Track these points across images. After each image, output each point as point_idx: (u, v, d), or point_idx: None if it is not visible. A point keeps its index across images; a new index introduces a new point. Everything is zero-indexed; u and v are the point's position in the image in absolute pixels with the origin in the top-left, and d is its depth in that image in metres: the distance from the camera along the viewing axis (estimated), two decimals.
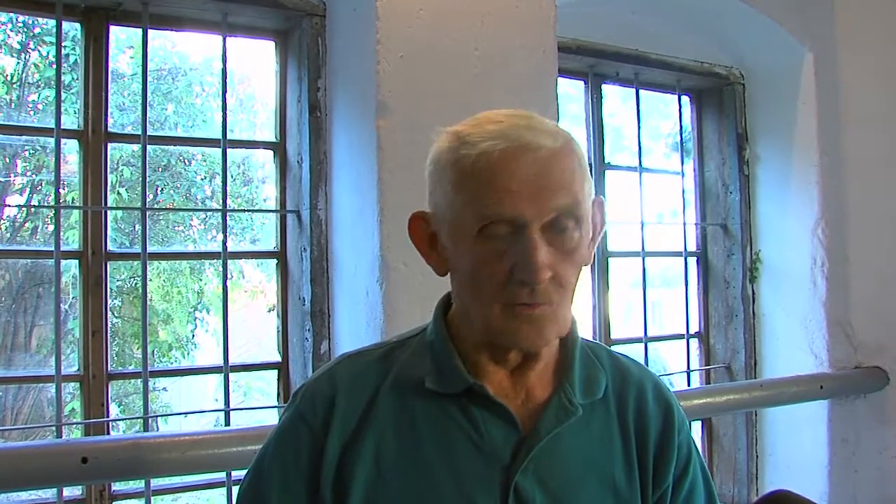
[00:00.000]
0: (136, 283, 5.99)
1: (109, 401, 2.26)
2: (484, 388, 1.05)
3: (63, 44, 2.20)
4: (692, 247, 3.43)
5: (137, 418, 2.53)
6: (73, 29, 2.32)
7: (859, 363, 3.10)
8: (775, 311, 3.27)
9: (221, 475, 2.22)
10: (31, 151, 6.04)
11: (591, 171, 3.02)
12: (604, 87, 3.19)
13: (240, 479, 2.17)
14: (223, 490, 2.26)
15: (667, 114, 3.96)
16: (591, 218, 1.06)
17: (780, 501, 1.47)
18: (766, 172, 3.31)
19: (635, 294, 3.25)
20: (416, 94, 2.16)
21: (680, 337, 3.37)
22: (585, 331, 2.73)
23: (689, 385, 3.24)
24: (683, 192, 3.37)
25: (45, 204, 4.88)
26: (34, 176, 6.16)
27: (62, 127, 2.14)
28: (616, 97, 3.41)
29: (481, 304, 1.02)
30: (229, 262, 2.39)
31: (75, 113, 2.29)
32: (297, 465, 1.06)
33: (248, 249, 5.74)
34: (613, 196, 3.19)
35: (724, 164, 3.41)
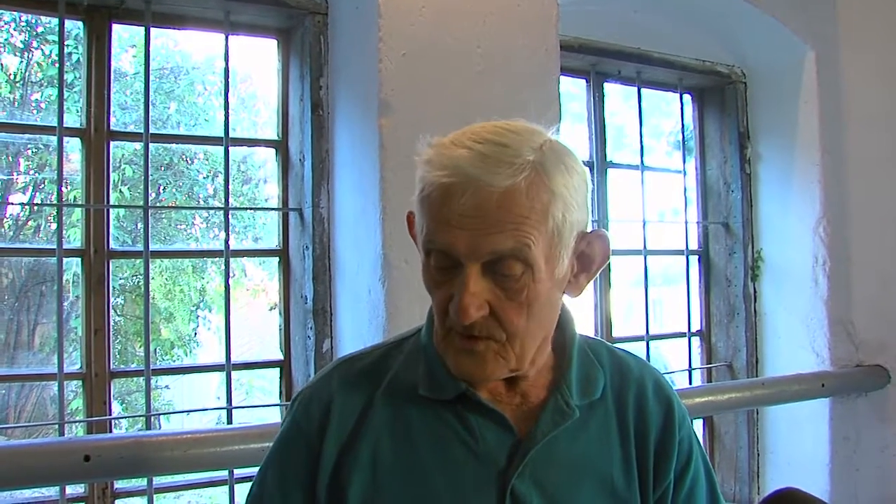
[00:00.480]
0: (138, 282, 5.98)
1: (112, 399, 2.27)
2: (476, 394, 1.04)
3: (66, 42, 2.20)
4: (694, 245, 3.43)
5: (140, 416, 2.53)
6: (75, 27, 2.32)
7: (861, 361, 3.11)
8: (777, 309, 3.27)
9: (223, 473, 2.22)
10: (34, 150, 6.04)
11: (593, 169, 2.99)
12: (606, 85, 3.19)
13: (242, 477, 2.19)
14: (225, 488, 2.26)
15: (669, 112, 3.97)
16: (586, 251, 1.03)
17: (788, 499, 1.46)
18: (768, 171, 3.31)
19: (637, 292, 3.25)
20: (418, 93, 2.16)
21: (681, 335, 3.37)
22: (587, 329, 2.73)
23: (690, 383, 3.24)
24: (685, 190, 3.37)
25: (48, 202, 4.89)
26: (37, 174, 6.17)
27: (65, 125, 2.14)
28: (618, 95, 3.41)
29: (436, 320, 1.03)
30: (231, 260, 2.39)
31: (78, 111, 2.29)
32: (294, 474, 1.06)
33: (251, 248, 5.75)
34: (615, 194, 3.18)
35: (725, 162, 3.41)
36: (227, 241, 2.38)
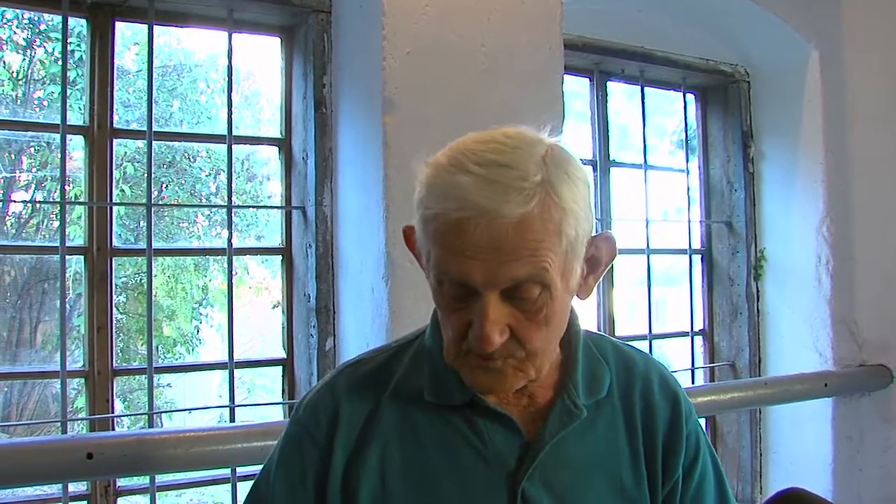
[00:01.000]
0: (140, 280, 5.99)
1: (114, 396, 2.27)
2: (484, 399, 1.04)
3: (69, 40, 2.20)
4: (697, 244, 3.43)
5: (142, 414, 2.53)
6: (78, 25, 2.32)
7: (864, 361, 3.10)
8: (780, 308, 3.26)
9: (226, 471, 2.22)
10: (37, 147, 6.04)
11: (596, 168, 2.99)
12: (609, 84, 3.19)
13: (244, 476, 2.19)
14: (228, 486, 2.26)
15: (672, 111, 3.96)
16: (594, 255, 1.03)
17: (793, 499, 1.46)
18: (772, 170, 3.31)
19: (640, 291, 3.25)
20: (422, 91, 2.15)
21: (684, 334, 3.36)
22: (589, 328, 2.72)
23: (693, 383, 3.24)
24: (688, 189, 3.37)
25: (51, 200, 4.89)
26: (39, 172, 6.17)
27: (67, 123, 2.15)
28: (621, 94, 3.40)
29: (446, 342, 1.01)
30: (234, 258, 2.39)
31: (80, 109, 2.29)
32: (302, 479, 1.06)
33: (253, 246, 5.73)
34: (618, 193, 3.18)
35: (728, 161, 3.40)
36: (229, 239, 2.38)
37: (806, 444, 3.12)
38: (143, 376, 2.28)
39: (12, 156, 6.10)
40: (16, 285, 6.12)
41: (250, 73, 6.86)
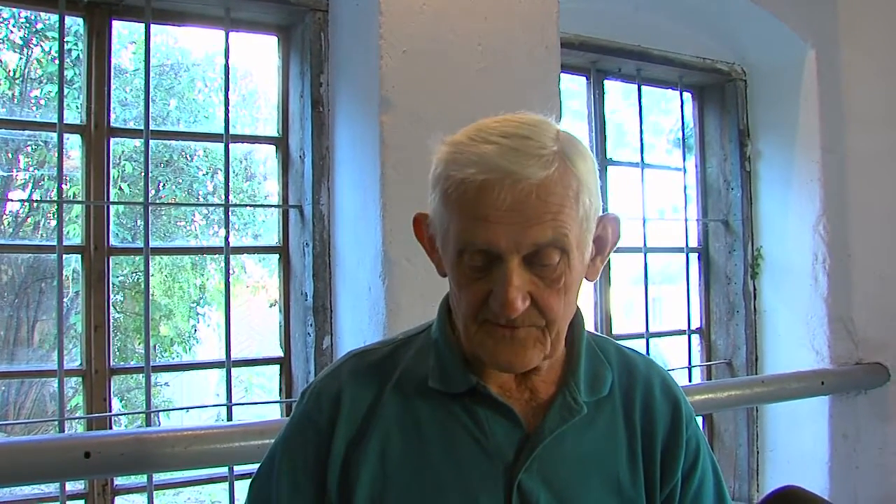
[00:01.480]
0: (138, 279, 5.99)
1: (111, 395, 2.27)
2: (486, 387, 1.05)
3: (66, 39, 2.20)
4: (693, 243, 3.43)
5: (140, 413, 2.53)
6: (75, 24, 2.32)
7: (860, 359, 3.11)
8: (776, 307, 3.27)
9: (223, 470, 2.22)
10: (34, 146, 6.04)
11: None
12: (606, 82, 3.19)
13: (242, 474, 2.19)
14: (225, 485, 2.26)
15: (669, 110, 3.97)
16: (601, 235, 1.06)
17: (790, 497, 1.46)
18: (768, 169, 3.31)
19: (637, 290, 3.25)
20: (419, 90, 2.16)
21: (681, 333, 3.37)
22: (588, 327, 2.73)
23: (690, 381, 3.24)
24: (685, 188, 3.37)
25: (48, 199, 4.89)
26: (36, 171, 6.17)
27: (65, 122, 2.14)
28: (618, 93, 3.41)
29: (463, 317, 1.02)
30: (231, 257, 2.39)
31: (78, 108, 2.29)
32: (305, 465, 1.07)
33: (251, 245, 5.73)
34: (615, 192, 3.18)
35: (725, 160, 3.41)
36: (227, 238, 2.38)
37: (803, 442, 3.13)
38: (141, 375, 2.28)
39: (9, 155, 6.10)
40: (13, 284, 6.12)
41: (247, 71, 6.87)
